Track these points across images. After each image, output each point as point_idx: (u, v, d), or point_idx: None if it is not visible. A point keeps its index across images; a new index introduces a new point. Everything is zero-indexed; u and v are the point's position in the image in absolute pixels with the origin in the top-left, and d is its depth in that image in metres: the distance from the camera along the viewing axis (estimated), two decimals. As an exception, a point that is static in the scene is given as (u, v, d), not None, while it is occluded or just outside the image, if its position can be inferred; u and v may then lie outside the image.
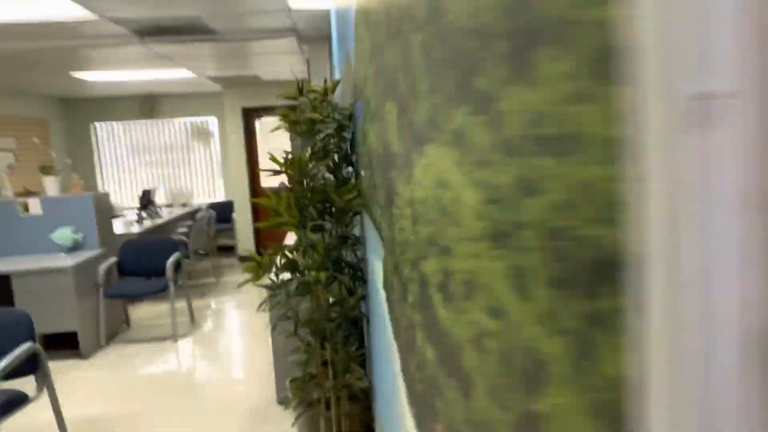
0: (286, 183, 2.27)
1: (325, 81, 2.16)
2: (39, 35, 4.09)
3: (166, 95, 8.04)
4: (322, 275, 1.97)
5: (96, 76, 5.97)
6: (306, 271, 2.06)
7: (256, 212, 7.60)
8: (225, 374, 3.77)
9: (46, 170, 4.76)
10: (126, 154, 8.19)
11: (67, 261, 4.20)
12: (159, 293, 4.44)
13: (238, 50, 5.05)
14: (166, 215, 7.01)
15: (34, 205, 4.60)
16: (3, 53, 4.58)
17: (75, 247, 4.67)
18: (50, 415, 3.17)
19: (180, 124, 8.15)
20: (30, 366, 2.59)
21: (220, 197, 8.33)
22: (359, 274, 2.19)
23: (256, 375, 3.72)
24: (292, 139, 3.56)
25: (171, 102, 8.05)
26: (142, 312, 5.39)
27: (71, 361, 4.15)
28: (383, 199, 1.25)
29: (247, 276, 3.36)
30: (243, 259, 7.62)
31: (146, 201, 6.76)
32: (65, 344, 4.47)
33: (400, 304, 1.07)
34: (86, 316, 4.24)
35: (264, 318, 4.98)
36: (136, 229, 5.96)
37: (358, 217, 2.24)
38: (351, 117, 2.22)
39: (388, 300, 1.29)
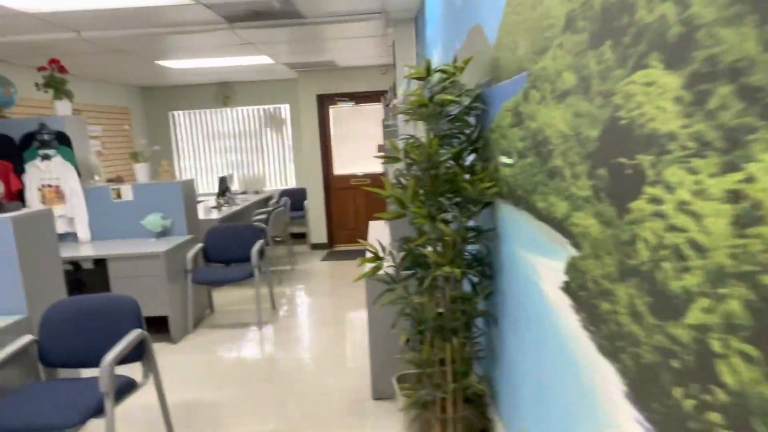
0: (394, 170, 2.12)
1: (455, 59, 1.98)
2: (131, 22, 4.12)
3: (240, 83, 8.12)
4: (457, 271, 1.80)
5: (178, 64, 6.05)
6: (434, 266, 1.90)
7: (329, 200, 7.56)
8: (313, 365, 3.71)
9: (136, 157, 4.84)
10: (201, 142, 8.35)
11: (158, 246, 4.26)
12: (245, 279, 4.44)
13: (318, 35, 4.95)
14: (240, 202, 7.08)
15: (126, 192, 4.70)
16: (95, 41, 4.68)
17: (163, 233, 4.75)
18: (153, 399, 3.20)
19: (253, 111, 8.21)
20: (138, 352, 2.59)
21: (291, 184, 8.35)
22: (486, 270, 2.01)
23: (347, 368, 3.64)
24: (387, 126, 3.41)
25: (245, 90, 8.11)
26: (224, 297, 5.45)
27: (161, 345, 4.22)
28: (584, 189, 1.06)
29: (364, 269, 3.24)
30: (315, 246, 7.62)
31: (224, 187, 6.84)
32: (155, 328, 4.56)
33: (640, 319, 0.88)
34: (176, 301, 4.30)
35: (342, 307, 4.91)
36: (215, 215, 6.03)
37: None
38: (477, 98, 2.03)
39: (587, 308, 1.10)
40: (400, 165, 2.15)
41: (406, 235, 2.17)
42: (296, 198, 8.04)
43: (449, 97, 1.85)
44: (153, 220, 4.59)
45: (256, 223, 5.90)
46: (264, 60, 6.07)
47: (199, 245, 4.70)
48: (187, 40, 4.84)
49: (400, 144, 2.13)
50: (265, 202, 7.99)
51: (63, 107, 4.63)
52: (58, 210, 4.61)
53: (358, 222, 7.61)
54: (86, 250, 4.30)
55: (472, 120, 2.12)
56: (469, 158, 2.16)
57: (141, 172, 4.84)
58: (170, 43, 4.91)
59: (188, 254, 4.49)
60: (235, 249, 4.81)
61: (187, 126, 8.33)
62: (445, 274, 1.87)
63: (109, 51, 5.14)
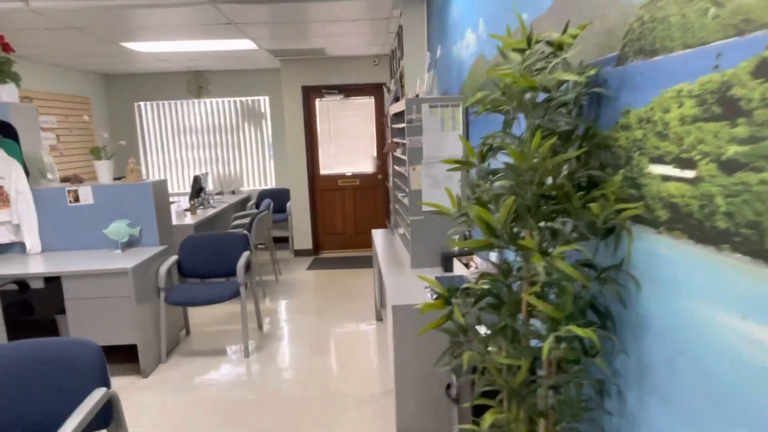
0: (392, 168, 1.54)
1: (566, 27, 1.42)
2: (95, -10, 3.41)
3: (215, 72, 7.37)
4: (578, 330, 1.23)
5: (147, 47, 5.30)
6: (550, 324, 1.32)
7: (314, 202, 6.91)
8: (316, 404, 3.09)
9: (98, 153, 4.11)
10: (171, 137, 7.56)
11: (124, 261, 3.56)
12: (230, 299, 3.78)
13: (312, 15, 4.31)
14: (216, 204, 6.37)
15: (85, 194, 3.97)
16: (47, 13, 3.92)
17: (130, 243, 4.04)
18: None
19: (229, 103, 7.49)
20: (104, 417, 1.93)
21: (271, 184, 7.66)
22: (608, 324, 1.45)
23: (360, 406, 3.04)
24: (410, 122, 2.81)
25: (220, 80, 7.38)
26: (202, 315, 4.76)
27: (129, 379, 3.53)
28: None
29: (430, 314, 2.65)
30: (299, 253, 6.96)
31: (198, 188, 6.12)
32: (121, 356, 3.86)
33: None
34: (146, 326, 3.61)
35: (340, 327, 4.30)
36: (189, 220, 5.33)
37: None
38: (592, 81, 1.47)
39: None
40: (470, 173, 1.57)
41: (484, 271, 1.59)
42: (278, 199, 7.37)
43: (573, 77, 1.27)
44: (118, 229, 3.88)
45: (237, 230, 5.23)
46: (246, 45, 5.38)
47: (174, 258, 4.01)
48: (159, 16, 4.13)
49: (483, 144, 1.55)
50: (243, 203, 7.28)
51: (8, 93, 3.86)
52: (0, 215, 3.85)
53: (346, 227, 6.99)
54: (35, 265, 3.57)
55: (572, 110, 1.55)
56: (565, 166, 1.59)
57: (103, 170, 4.11)
58: (139, 19, 4.19)
59: (161, 269, 3.80)
60: (216, 262, 4.14)
61: (156, 119, 7.53)
62: (567, 335, 1.30)
63: (66, 27, 4.37)
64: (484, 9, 2.55)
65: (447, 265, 2.96)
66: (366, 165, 6.88)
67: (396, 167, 3.82)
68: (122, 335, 3.49)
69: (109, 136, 7.46)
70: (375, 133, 6.81)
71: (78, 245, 4.02)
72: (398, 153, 3.54)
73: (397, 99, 3.78)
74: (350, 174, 6.88)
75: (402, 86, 4.23)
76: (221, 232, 4.26)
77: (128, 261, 3.56)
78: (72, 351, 1.96)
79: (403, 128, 3.61)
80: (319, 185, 6.89)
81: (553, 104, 1.37)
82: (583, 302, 1.44)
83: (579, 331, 1.21)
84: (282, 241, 7.75)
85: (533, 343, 1.59)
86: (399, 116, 3.71)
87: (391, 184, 4.47)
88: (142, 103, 7.48)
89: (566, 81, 1.43)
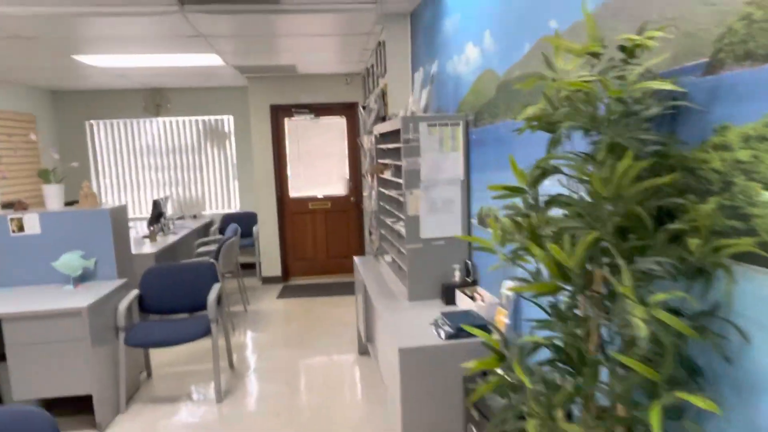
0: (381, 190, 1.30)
1: (641, 28, 1.20)
2: (47, -6, 3.04)
3: (175, 90, 6.96)
4: (698, 400, 0.98)
5: (102, 61, 4.89)
6: (654, 391, 1.07)
7: (283, 226, 6.55)
8: (306, 460, 2.74)
9: (47, 176, 3.67)
10: (126, 158, 7.06)
11: (77, 298, 3.13)
12: (201, 338, 3.39)
13: (288, 28, 4.04)
14: (178, 230, 5.93)
15: (31, 222, 3.51)
16: (-7, 22, 3.50)
17: (84, 277, 3.59)
18: None
19: (190, 122, 7.07)
20: (56, 506, 1.55)
21: (235, 208, 7.25)
22: (698, 380, 1.21)
23: (351, 462, 2.71)
24: (407, 141, 2.55)
25: (181, 98, 6.97)
26: (164, 353, 4.30)
27: (83, 434, 3.07)
28: None
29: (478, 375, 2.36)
30: (267, 280, 6.55)
31: (157, 213, 5.67)
32: (73, 409, 3.38)
33: None
34: (103, 373, 3.17)
35: (321, 363, 3.95)
36: (148, 248, 4.89)
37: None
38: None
39: None
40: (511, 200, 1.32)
41: (549, 320, 1.33)
42: (243, 224, 6.96)
43: (667, 85, 1.05)
44: (70, 261, 3.43)
45: (203, 259, 4.83)
46: (213, 61, 5.04)
47: (134, 292, 3.59)
48: (119, 27, 3.77)
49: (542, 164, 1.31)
50: (206, 228, 6.84)
51: (-60, 108, 3.39)
52: (-71, 248, 3.34)
53: (317, 252, 6.65)
54: (-30, 305, 3.08)
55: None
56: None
57: (53, 195, 3.66)
58: (96, 29, 3.81)
59: (120, 306, 3.37)
60: (182, 295, 3.74)
61: (109, 138, 7.03)
62: (674, 403, 1.06)
63: (9, 36, 3.94)
64: (491, 21, 2.35)
65: (448, 298, 2.70)
66: (338, 187, 6.60)
67: (383, 190, 3.56)
68: (75, 385, 3.04)
69: (59, 158, 6.89)
70: (347, 154, 6.55)
71: (22, 281, 3.54)
72: (387, 175, 3.28)
73: (383, 118, 3.54)
74: (321, 196, 6.57)
75: (385, 104, 4.01)
76: (187, 263, 3.86)
77: (82, 298, 3.13)
78: (15, 423, 1.58)
79: (392, 149, 3.37)
80: (288, 208, 6.55)
81: (633, 120, 1.15)
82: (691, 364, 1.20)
83: (699, 402, 0.96)
84: (248, 268, 7.32)
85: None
86: (387, 136, 3.47)
87: (373, 207, 4.21)
88: (93, 122, 6.97)
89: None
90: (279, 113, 6.41)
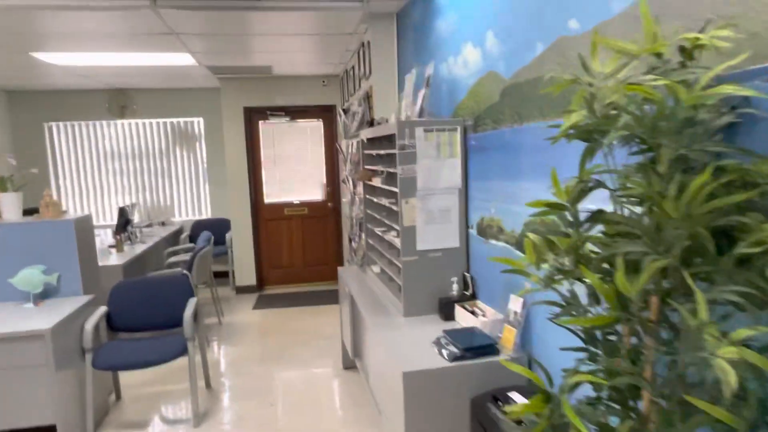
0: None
1: (705, 26, 1.07)
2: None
3: (141, 91, 6.63)
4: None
5: (65, 59, 4.57)
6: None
7: (258, 233, 6.30)
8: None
9: (2, 184, 3.36)
10: (89, 162, 6.68)
11: (38, 319, 2.85)
12: (177, 358, 3.14)
13: (268, 27, 3.84)
14: (146, 239, 5.62)
15: (-14, 234, 3.20)
16: (-59, 14, 3.19)
17: (46, 294, 3.30)
18: None
19: (158, 125, 6.75)
20: None
21: (206, 214, 6.95)
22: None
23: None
24: (403, 148, 2.39)
25: (147, 99, 6.64)
26: (134, 373, 4.02)
27: (46, 468, 2.79)
28: None
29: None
30: (241, 290, 6.29)
31: (124, 221, 5.35)
32: (33, 438, 3.09)
33: None
34: (68, 400, 2.89)
35: (305, 379, 3.75)
36: (115, 259, 4.59)
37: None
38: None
39: None
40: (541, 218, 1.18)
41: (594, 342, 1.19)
42: (215, 231, 6.68)
43: (749, 92, 0.92)
44: (29, 277, 3.14)
45: (175, 270, 4.57)
46: (184, 60, 4.78)
47: (102, 309, 3.32)
48: (84, 22, 3.49)
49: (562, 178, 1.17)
50: (176, 236, 6.53)
51: None
52: None
53: (294, 260, 6.42)
54: None
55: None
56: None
57: (10, 205, 3.36)
58: (58, 24, 3.52)
59: (87, 325, 3.10)
60: (155, 311, 3.48)
61: (70, 141, 6.63)
62: None
63: (-39, 32, 3.61)
64: (494, 21, 2.22)
65: (447, 313, 2.56)
66: (315, 192, 6.39)
67: (370, 197, 3.39)
68: (37, 414, 2.76)
69: (16, 164, 6.46)
70: (324, 158, 6.35)
71: (-25, 299, 3.23)
72: (377, 182, 3.12)
73: (370, 122, 3.37)
74: (298, 202, 6.35)
75: (370, 108, 3.84)
76: (159, 276, 3.61)
77: (44, 319, 2.85)
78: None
79: (382, 155, 3.21)
80: (263, 214, 6.30)
81: (700, 130, 1.02)
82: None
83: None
84: (221, 277, 7.03)
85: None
86: (375, 141, 3.31)
87: (358, 215, 4.04)
88: (53, 124, 6.57)
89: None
90: (253, 116, 6.16)
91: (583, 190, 1.19)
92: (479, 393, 2.06)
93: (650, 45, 1.05)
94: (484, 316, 2.41)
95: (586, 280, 1.29)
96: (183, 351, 3.14)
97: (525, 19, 1.97)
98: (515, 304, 2.13)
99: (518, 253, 2.15)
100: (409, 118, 2.69)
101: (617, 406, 1.13)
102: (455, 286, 2.64)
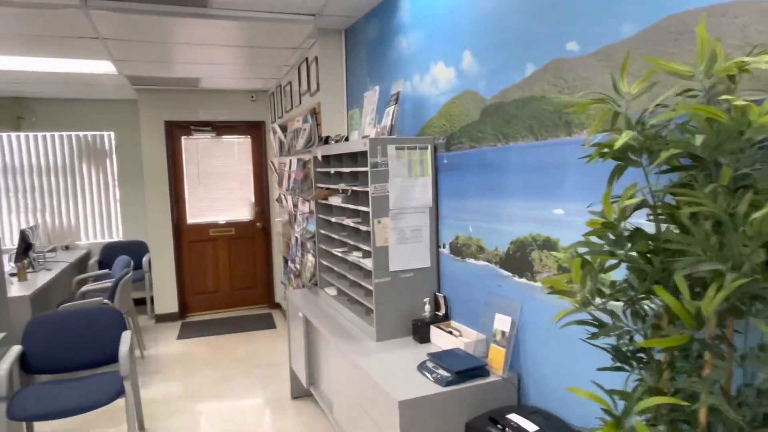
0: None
1: (752, 49, 1.11)
2: None
3: (42, 100, 5.96)
4: None
5: (-43, 62, 3.99)
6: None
7: (180, 256, 5.86)
8: None
9: None
10: (-24, 179, 5.87)
11: (-57, 366, 2.40)
12: (112, 401, 2.78)
13: (206, 36, 3.61)
14: (52, 265, 5.02)
15: None
16: None
17: (-57, 334, 2.79)
18: None
19: (62, 138, 6.09)
20: None
21: (117, 236, 6.35)
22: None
23: None
24: (375, 166, 2.30)
25: (49, 110, 5.99)
26: (50, 421, 3.50)
27: None
28: None
29: None
30: (161, 318, 5.79)
31: (25, 246, 4.74)
32: None
33: None
34: (-21, 459, 2.45)
35: (254, 414, 3.48)
36: (18, 289, 4.04)
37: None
38: None
39: None
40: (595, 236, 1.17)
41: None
42: (130, 255, 6.12)
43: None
44: (-76, 316, 2.64)
45: (94, 300, 4.13)
46: (103, 68, 4.37)
47: (16, 349, 2.87)
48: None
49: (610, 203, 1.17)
50: (83, 262, 5.90)
51: None
52: None
53: (219, 283, 6.04)
54: None
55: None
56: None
57: None
58: (-41, 22, 3.06)
59: (0, 370, 2.66)
60: (81, 349, 3.07)
61: (-49, 156, 5.78)
62: None
63: None
64: (472, 41, 2.23)
65: (422, 335, 2.49)
66: (243, 212, 6.08)
67: (324, 217, 3.26)
68: (-61, 482, 2.30)
69: None
70: (253, 176, 6.08)
71: None
72: (336, 201, 3.01)
73: (325, 140, 3.26)
74: (224, 222, 6.00)
75: (318, 125, 3.72)
76: (82, 308, 3.20)
77: (-51, 365, 2.40)
78: None
79: (341, 173, 3.11)
80: (185, 236, 5.88)
81: (757, 149, 1.05)
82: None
83: None
84: (137, 305, 6.42)
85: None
86: (330, 160, 3.20)
87: (298, 234, 3.87)
88: (-70, 136, 5.70)
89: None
90: (175, 130, 5.76)
91: (629, 209, 1.20)
92: (474, 416, 2.01)
93: (704, 66, 1.07)
94: (461, 336, 2.38)
95: (620, 301, 1.30)
96: (119, 392, 2.79)
97: (512, 39, 1.99)
98: (502, 323, 2.12)
99: (502, 271, 2.15)
100: (379, 136, 2.62)
101: (686, 426, 1.13)
102: (427, 307, 2.59)
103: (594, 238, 1.58)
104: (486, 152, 2.19)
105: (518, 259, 2.04)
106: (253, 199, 6.10)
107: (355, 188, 2.70)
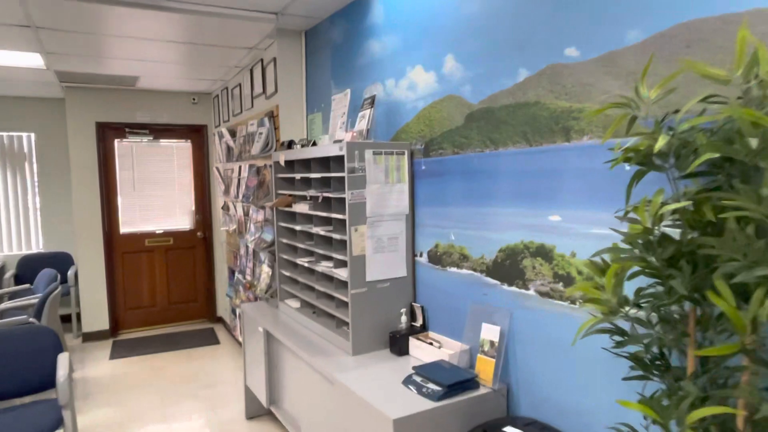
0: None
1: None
2: None
3: (-51, 96, 5.33)
4: None
5: None
6: None
7: (112, 268, 5.40)
8: None
9: None
10: None
11: None
12: (49, 436, 2.46)
13: (154, 30, 3.37)
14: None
15: None
16: None
17: None
18: None
19: (-28, 140, 5.47)
20: None
21: (37, 247, 5.78)
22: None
23: None
24: (352, 171, 2.18)
25: (-43, 107, 5.36)
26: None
27: None
28: None
29: None
30: (89, 336, 5.30)
31: (-70, 259, 4.18)
32: None
33: None
34: None
35: (206, 439, 3.22)
36: (-77, 308, 3.54)
37: None
38: None
39: None
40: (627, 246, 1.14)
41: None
42: (53, 267, 5.57)
43: None
44: None
45: (18, 319, 3.71)
46: (29, 61, 3.95)
47: (-71, 379, 2.48)
48: None
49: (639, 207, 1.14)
50: (-2, 276, 5.31)
51: None
52: None
53: (156, 297, 5.64)
54: None
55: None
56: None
57: None
58: None
59: None
60: (11, 375, 2.71)
61: None
62: None
63: None
64: (455, 45, 2.19)
65: (400, 347, 2.40)
66: (182, 221, 5.72)
67: (286, 225, 3.10)
68: None
69: None
70: (193, 182, 5.74)
71: None
72: (302, 208, 2.86)
73: (288, 144, 3.11)
74: (161, 232, 5.62)
75: (276, 128, 3.55)
76: (9, 328, 2.84)
77: None
78: None
79: (303, 179, 2.97)
80: (118, 246, 5.44)
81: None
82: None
83: None
84: (62, 322, 5.85)
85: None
86: (293, 165, 3.05)
87: (253, 244, 3.67)
88: None
89: None
90: (108, 133, 5.34)
91: (666, 214, 1.17)
92: (467, 429, 1.94)
93: (743, 70, 1.07)
94: (442, 347, 2.31)
95: (638, 310, 1.27)
96: (58, 422, 2.47)
97: (501, 45, 1.97)
98: (490, 333, 2.07)
99: (489, 280, 2.10)
100: (354, 140, 2.52)
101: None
102: (404, 318, 2.50)
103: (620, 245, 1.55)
104: (471, 158, 2.15)
105: (508, 267, 2.00)
106: (193, 207, 5.76)
107: (327, 195, 2.57)
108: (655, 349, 1.35)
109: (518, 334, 1.97)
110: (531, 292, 1.91)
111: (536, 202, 1.86)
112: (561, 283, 1.79)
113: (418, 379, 2.05)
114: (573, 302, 1.75)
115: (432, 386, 1.97)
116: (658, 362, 1.35)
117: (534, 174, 1.87)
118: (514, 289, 1.99)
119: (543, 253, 1.85)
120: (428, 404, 1.88)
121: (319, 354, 2.46)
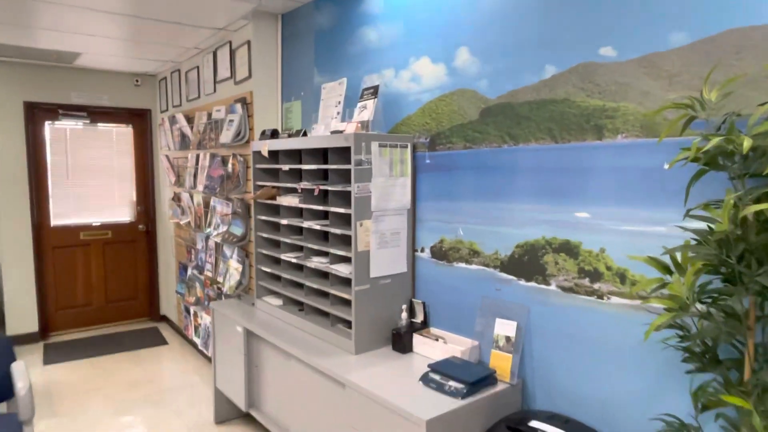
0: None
1: None
2: None
3: None
4: None
5: None
6: None
7: (42, 264, 4.89)
8: None
9: None
10: None
11: None
12: (11, 455, 2.18)
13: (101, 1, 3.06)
14: None
15: None
16: None
17: None
18: None
19: None
20: None
21: (-53, 241, 5.11)
22: None
23: None
24: (358, 164, 2.07)
25: None
26: None
27: None
28: None
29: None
30: (17, 339, 4.77)
31: None
32: None
33: None
34: None
35: (174, 447, 3.00)
36: None
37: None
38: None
39: None
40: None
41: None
42: (-32, 263, 4.95)
43: None
44: None
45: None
46: (-47, 29, 3.45)
47: None
48: None
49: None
50: None
51: None
52: None
53: (92, 295, 5.18)
54: None
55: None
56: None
57: None
58: None
59: None
60: (-48, 389, 2.36)
61: None
62: None
63: None
64: (471, 38, 2.16)
65: (404, 345, 2.35)
66: (122, 212, 5.29)
67: (267, 218, 2.95)
68: None
69: None
70: (135, 171, 5.32)
71: None
72: (291, 202, 2.72)
73: (274, 133, 2.94)
74: (98, 224, 5.16)
75: (250, 116, 3.35)
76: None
77: None
78: None
79: (292, 170, 2.83)
80: (49, 240, 4.93)
81: None
82: None
83: None
84: (-31, 325, 5.22)
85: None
86: (277, 155, 2.90)
87: (218, 238, 3.46)
88: None
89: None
90: (38, 114, 4.81)
91: (750, 215, 1.21)
92: (488, 427, 1.93)
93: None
94: (445, 343, 2.29)
95: (704, 303, 1.32)
96: (20, 440, 2.19)
97: (525, 40, 1.96)
98: (505, 328, 2.07)
99: (503, 275, 2.11)
100: (358, 131, 2.42)
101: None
102: (404, 315, 2.45)
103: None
104: (485, 153, 2.13)
105: (526, 263, 2.01)
106: (134, 198, 5.34)
107: (326, 187, 2.46)
108: (708, 343, 1.40)
109: (536, 329, 1.99)
110: (552, 287, 1.93)
111: (561, 198, 1.88)
112: (587, 279, 1.82)
113: (436, 377, 2.01)
114: (600, 297, 1.79)
115: (454, 384, 1.94)
116: (707, 355, 1.40)
117: (559, 171, 1.88)
118: (532, 284, 2.00)
119: (567, 249, 1.87)
120: (454, 403, 1.85)
121: (316, 354, 2.35)
